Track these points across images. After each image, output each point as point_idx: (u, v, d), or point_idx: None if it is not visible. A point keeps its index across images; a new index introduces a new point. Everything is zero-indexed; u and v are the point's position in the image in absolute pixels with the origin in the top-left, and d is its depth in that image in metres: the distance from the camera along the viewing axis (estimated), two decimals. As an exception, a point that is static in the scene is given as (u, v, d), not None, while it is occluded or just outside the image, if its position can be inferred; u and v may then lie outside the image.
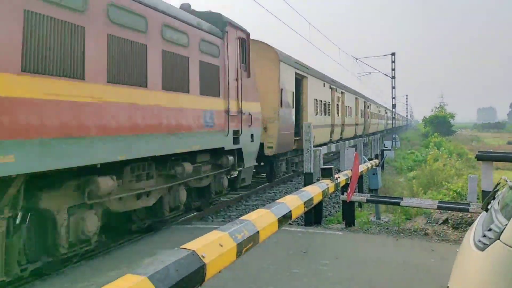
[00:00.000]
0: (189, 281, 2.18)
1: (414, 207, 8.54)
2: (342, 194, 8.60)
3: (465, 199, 10.34)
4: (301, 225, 9.00)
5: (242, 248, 2.81)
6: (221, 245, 2.58)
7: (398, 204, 8.11)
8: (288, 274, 5.40)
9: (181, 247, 2.39)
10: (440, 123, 66.15)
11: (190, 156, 8.38)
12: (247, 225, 3.01)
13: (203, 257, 2.35)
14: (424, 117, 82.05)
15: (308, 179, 9.12)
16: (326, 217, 10.73)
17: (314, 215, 8.71)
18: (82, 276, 5.68)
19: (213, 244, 2.53)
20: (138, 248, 7.04)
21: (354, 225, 8.33)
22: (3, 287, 5.04)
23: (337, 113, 25.01)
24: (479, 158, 8.02)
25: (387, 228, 8.09)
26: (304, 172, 9.45)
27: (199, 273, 2.29)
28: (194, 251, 2.33)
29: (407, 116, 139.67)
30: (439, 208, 7.66)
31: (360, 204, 11.54)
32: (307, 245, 6.75)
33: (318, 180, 7.30)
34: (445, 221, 8.38)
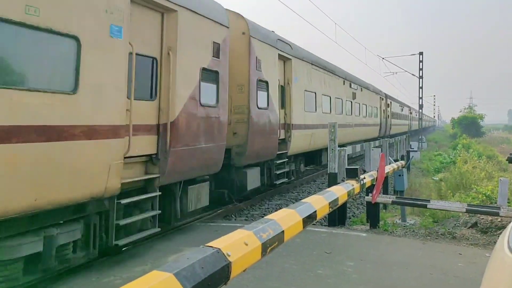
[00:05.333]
0: (215, 279, 2.18)
1: (441, 209, 8.34)
2: (367, 195, 8.48)
3: (495, 203, 10.05)
4: (325, 225, 8.92)
5: (267, 247, 2.79)
6: (246, 244, 2.57)
7: (425, 206, 7.94)
8: (313, 275, 5.35)
9: (206, 245, 2.39)
10: (469, 125, 64.70)
11: None
12: (272, 224, 2.99)
13: (228, 255, 2.35)
14: (452, 118, 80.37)
15: (332, 179, 9.03)
16: (350, 218, 10.61)
17: (338, 215, 8.63)
18: (108, 271, 5.78)
19: (238, 243, 2.52)
20: (162, 245, 7.12)
21: (378, 227, 8.20)
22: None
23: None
24: (511, 160, 7.77)
25: (413, 231, 7.94)
26: (328, 172, 9.35)
27: (224, 271, 2.29)
28: (219, 249, 2.33)
29: (434, 117, 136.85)
30: (468, 211, 7.46)
31: (385, 206, 11.35)
32: (331, 246, 6.69)
33: (343, 180, 7.22)
34: (474, 225, 8.16)
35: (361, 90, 23.81)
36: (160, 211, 6.85)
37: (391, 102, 36.30)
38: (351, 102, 21.34)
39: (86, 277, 5.62)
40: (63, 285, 5.41)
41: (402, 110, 46.93)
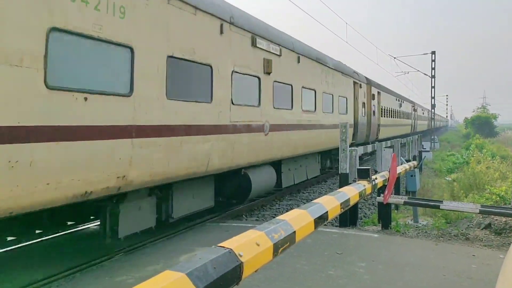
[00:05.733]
0: (227, 280, 2.19)
1: (454, 210, 8.26)
2: (379, 195, 8.43)
3: (509, 203, 9.92)
4: (336, 225, 8.89)
5: (278, 247, 2.79)
6: (258, 244, 2.57)
7: (437, 207, 7.86)
8: (324, 276, 5.34)
9: (218, 245, 2.40)
10: (482, 124, 64.12)
11: None
12: (283, 225, 3.00)
13: (240, 255, 2.36)
14: (465, 118, 79.65)
15: (344, 180, 9.00)
16: (361, 218, 10.56)
17: (349, 216, 8.59)
18: (121, 270, 5.83)
19: (250, 243, 2.53)
20: (174, 245, 7.16)
21: (390, 227, 8.15)
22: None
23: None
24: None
25: (426, 232, 7.87)
26: (339, 172, 9.32)
27: (236, 271, 2.30)
28: (231, 249, 2.34)
29: (446, 116, 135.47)
30: (481, 212, 7.37)
31: (397, 207, 11.27)
32: (343, 247, 6.67)
33: (354, 181, 7.18)
34: (488, 226, 8.07)
35: (298, 61, 12.24)
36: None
37: (379, 93, 25.10)
38: (259, 79, 10.06)
39: (99, 277, 5.68)
40: (76, 285, 5.48)
41: (401, 105, 35.26)
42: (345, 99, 17.63)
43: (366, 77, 22.07)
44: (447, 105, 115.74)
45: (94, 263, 6.24)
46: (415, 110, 46.28)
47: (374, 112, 23.29)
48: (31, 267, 6.26)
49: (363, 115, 20.78)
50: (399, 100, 34.24)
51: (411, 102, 44.91)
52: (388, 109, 28.79)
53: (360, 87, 20.28)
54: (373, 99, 23.05)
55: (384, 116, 26.99)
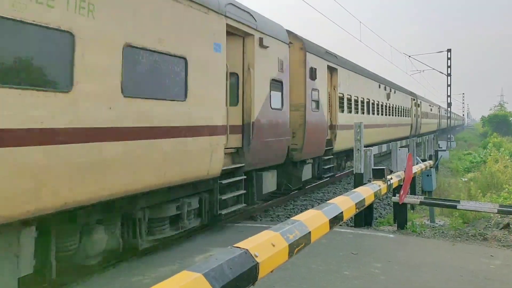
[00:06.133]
0: (243, 280, 2.21)
1: (472, 210, 8.15)
2: (394, 195, 8.38)
3: (529, 203, 9.75)
4: (351, 226, 8.85)
5: (293, 248, 2.81)
6: (273, 245, 2.59)
7: (454, 207, 7.78)
8: (339, 276, 5.32)
9: (234, 245, 2.42)
10: (500, 123, 63.20)
11: None
12: (298, 226, 3.01)
13: (256, 256, 2.38)
14: (482, 116, 78.57)
15: (359, 180, 8.95)
16: (376, 218, 10.49)
17: (364, 216, 8.55)
18: (137, 270, 5.89)
19: (265, 244, 2.54)
20: (189, 245, 7.20)
21: (406, 227, 8.08)
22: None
23: None
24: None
25: (442, 232, 7.79)
26: (354, 172, 9.28)
27: (252, 272, 2.31)
28: (247, 250, 2.36)
29: (463, 115, 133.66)
30: (499, 212, 7.27)
31: (413, 207, 11.16)
32: (358, 247, 6.63)
33: (369, 181, 7.15)
34: (506, 226, 7.95)
35: None
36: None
37: (333, 69, 14.67)
38: None
39: (116, 276, 5.75)
40: (93, 284, 5.55)
41: (388, 97, 23.42)
42: (184, 60, 6.65)
43: (289, 31, 11.36)
44: (463, 103, 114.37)
45: (110, 263, 6.31)
46: (417, 105, 34.65)
47: (318, 102, 12.78)
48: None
49: (278, 106, 10.11)
50: (385, 88, 22.63)
51: (411, 94, 32.78)
52: (359, 100, 17.91)
53: (262, 45, 9.14)
54: (314, 78, 12.28)
55: (349, 111, 16.51)
